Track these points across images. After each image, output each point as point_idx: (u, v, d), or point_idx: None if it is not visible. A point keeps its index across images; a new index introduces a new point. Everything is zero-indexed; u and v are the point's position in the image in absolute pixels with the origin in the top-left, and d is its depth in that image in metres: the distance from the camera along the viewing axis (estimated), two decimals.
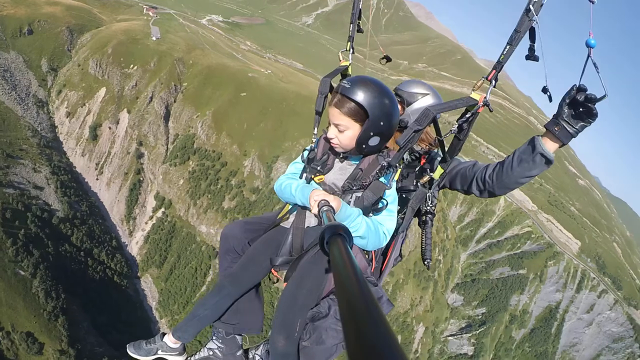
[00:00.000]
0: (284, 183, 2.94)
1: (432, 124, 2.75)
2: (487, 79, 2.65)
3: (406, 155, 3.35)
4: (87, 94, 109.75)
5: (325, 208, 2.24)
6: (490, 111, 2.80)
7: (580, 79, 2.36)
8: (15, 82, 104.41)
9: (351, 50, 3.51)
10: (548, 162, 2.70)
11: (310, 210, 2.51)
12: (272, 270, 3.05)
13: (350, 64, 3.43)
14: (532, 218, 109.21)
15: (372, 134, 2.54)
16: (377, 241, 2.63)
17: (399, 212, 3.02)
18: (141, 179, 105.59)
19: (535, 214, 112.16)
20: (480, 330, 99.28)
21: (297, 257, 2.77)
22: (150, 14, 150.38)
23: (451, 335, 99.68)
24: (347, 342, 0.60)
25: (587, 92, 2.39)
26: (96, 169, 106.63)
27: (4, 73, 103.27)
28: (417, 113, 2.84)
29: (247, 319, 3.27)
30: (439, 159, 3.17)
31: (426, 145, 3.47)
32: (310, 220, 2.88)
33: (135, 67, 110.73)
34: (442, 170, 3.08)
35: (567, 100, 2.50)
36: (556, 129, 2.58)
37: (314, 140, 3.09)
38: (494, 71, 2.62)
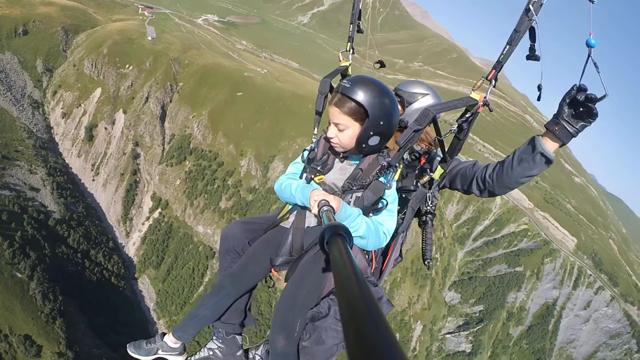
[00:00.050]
0: (284, 183, 2.93)
1: (432, 124, 2.75)
2: (486, 78, 2.65)
3: (406, 155, 3.34)
4: (83, 94, 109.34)
5: (325, 208, 2.24)
6: (490, 111, 2.81)
7: (581, 78, 2.36)
8: (10, 83, 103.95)
9: (351, 50, 3.47)
10: (548, 161, 2.70)
11: (310, 210, 2.51)
12: (272, 270, 3.03)
13: (350, 64, 3.41)
14: (528, 216, 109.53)
15: (372, 133, 2.55)
16: (377, 241, 2.62)
17: (399, 212, 3.02)
18: (137, 179, 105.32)
19: (532, 211, 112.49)
20: (477, 327, 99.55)
21: (297, 257, 2.76)
22: (146, 13, 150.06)
23: (449, 333, 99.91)
24: (347, 342, 0.60)
25: (588, 92, 2.39)
26: (92, 170, 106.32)
27: None
28: (417, 113, 2.81)
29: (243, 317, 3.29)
30: (439, 158, 3.17)
31: (426, 145, 3.47)
32: (310, 220, 2.87)
33: (131, 67, 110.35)
34: (442, 170, 3.08)
35: (568, 100, 2.50)
36: (556, 128, 2.57)
37: (314, 140, 3.08)
38: (494, 71, 2.63)
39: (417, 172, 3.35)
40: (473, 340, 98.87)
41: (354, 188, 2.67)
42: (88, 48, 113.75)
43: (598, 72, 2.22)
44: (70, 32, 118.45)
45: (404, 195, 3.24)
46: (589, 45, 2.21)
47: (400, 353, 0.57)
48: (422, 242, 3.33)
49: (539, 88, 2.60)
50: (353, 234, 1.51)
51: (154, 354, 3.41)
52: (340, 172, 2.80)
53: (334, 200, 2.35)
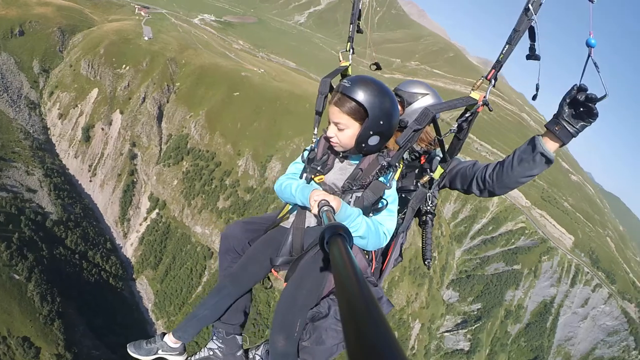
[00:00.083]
0: (284, 183, 2.93)
1: (431, 124, 2.76)
2: (486, 78, 2.66)
3: (406, 155, 3.35)
4: (79, 95, 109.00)
5: (325, 208, 2.25)
6: (490, 110, 2.82)
7: (581, 78, 2.37)
8: (6, 84, 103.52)
9: (351, 50, 3.48)
10: (548, 161, 2.71)
11: (310, 210, 2.51)
12: (272, 270, 3.04)
13: (350, 65, 3.40)
14: (525, 214, 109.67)
15: (371, 133, 2.55)
16: (377, 241, 2.63)
17: (399, 212, 3.01)
18: (135, 180, 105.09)
19: (529, 209, 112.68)
20: (476, 325, 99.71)
21: (297, 257, 2.77)
22: (142, 13, 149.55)
23: (447, 332, 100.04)
24: (347, 342, 0.60)
25: (588, 92, 2.39)
26: (89, 171, 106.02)
27: None
28: (417, 113, 2.81)
29: (246, 318, 3.30)
30: (438, 158, 3.18)
31: (426, 145, 3.48)
32: (310, 220, 2.88)
33: (128, 68, 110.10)
34: (442, 170, 3.09)
35: (568, 100, 2.50)
36: (557, 128, 2.58)
37: (314, 140, 3.07)
38: (494, 70, 2.63)
39: (417, 172, 3.36)
40: (471, 338, 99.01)
41: (354, 188, 2.67)
42: (84, 48, 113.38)
43: (598, 72, 2.22)
44: (66, 32, 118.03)
45: (403, 195, 3.24)
46: (589, 45, 2.21)
47: (401, 353, 0.57)
48: (422, 242, 3.33)
49: (537, 88, 2.63)
50: (353, 234, 1.52)
51: (154, 354, 3.40)
52: (340, 172, 2.80)
53: (334, 200, 2.36)
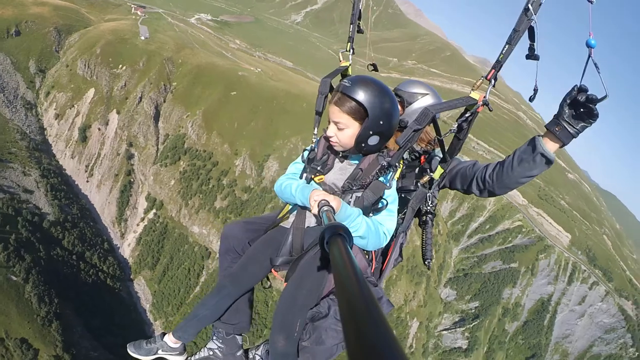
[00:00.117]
0: (284, 183, 2.93)
1: (431, 124, 2.76)
2: (486, 78, 2.66)
3: (406, 155, 3.35)
4: (76, 95, 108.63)
5: (325, 208, 2.25)
6: (490, 110, 2.82)
7: (582, 79, 2.37)
8: (3, 85, 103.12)
9: (351, 50, 3.47)
10: (549, 162, 2.71)
11: (310, 210, 2.52)
12: (272, 270, 3.04)
13: (350, 65, 3.41)
14: (522, 212, 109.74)
15: (371, 133, 2.56)
16: (377, 241, 2.63)
17: (399, 212, 2.99)
18: (132, 180, 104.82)
19: (526, 208, 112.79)
20: (473, 324, 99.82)
21: (297, 257, 2.77)
22: (139, 13, 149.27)
23: (445, 330, 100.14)
24: (347, 342, 0.60)
25: (588, 93, 2.39)
26: (86, 171, 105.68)
27: None
28: (417, 113, 2.81)
29: (246, 318, 3.29)
30: (438, 158, 3.19)
31: (425, 145, 3.48)
32: (311, 220, 2.89)
33: (124, 67, 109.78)
34: (442, 170, 3.09)
35: (568, 101, 2.50)
36: (557, 129, 2.58)
37: (314, 140, 3.07)
38: (493, 70, 2.64)
39: (417, 172, 3.36)
40: (469, 336, 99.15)
41: (354, 188, 2.68)
42: (81, 48, 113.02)
43: (598, 72, 2.22)
44: (62, 32, 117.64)
45: (403, 195, 3.24)
46: (589, 45, 2.21)
47: (401, 353, 0.57)
48: (422, 242, 3.33)
49: (535, 91, 2.63)
50: (353, 234, 1.52)
51: (154, 354, 3.41)
52: (340, 172, 2.80)
53: (334, 200, 2.37)
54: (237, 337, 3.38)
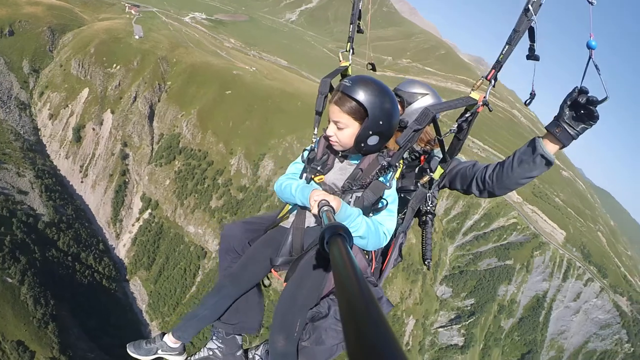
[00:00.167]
0: (284, 183, 2.93)
1: (431, 124, 2.76)
2: (486, 78, 2.67)
3: (406, 155, 3.35)
4: (70, 95, 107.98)
5: (325, 208, 2.24)
6: (490, 111, 2.83)
7: (582, 80, 2.38)
8: None
9: (351, 50, 3.48)
10: (549, 163, 2.72)
11: (310, 210, 2.51)
12: (272, 270, 3.04)
13: (350, 65, 3.41)
14: (517, 210, 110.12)
15: (371, 133, 2.56)
16: (377, 241, 2.63)
17: (399, 212, 2.97)
18: (126, 180, 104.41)
19: (521, 205, 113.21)
20: (469, 321, 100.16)
21: (297, 257, 2.77)
22: (133, 12, 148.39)
23: (441, 327, 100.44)
24: (347, 342, 0.60)
25: (589, 95, 2.40)
26: (81, 172, 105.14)
27: None
28: (417, 113, 2.82)
29: (246, 318, 3.27)
30: (438, 158, 3.20)
31: (425, 145, 3.49)
32: (310, 220, 2.89)
33: (118, 67, 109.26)
34: (442, 170, 3.08)
35: (569, 102, 2.51)
36: (557, 130, 2.59)
37: (314, 140, 3.07)
38: (494, 71, 2.64)
39: (416, 172, 3.37)
40: (465, 333, 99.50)
41: (354, 188, 2.68)
42: (75, 48, 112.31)
43: (599, 74, 2.23)
44: (56, 31, 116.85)
45: (403, 195, 3.25)
46: (589, 47, 2.21)
47: (401, 353, 0.57)
48: (422, 242, 3.34)
49: (533, 96, 2.62)
50: (353, 234, 1.51)
51: (154, 354, 3.40)
52: (340, 172, 2.80)
53: (334, 200, 2.36)
54: (237, 337, 3.37)
